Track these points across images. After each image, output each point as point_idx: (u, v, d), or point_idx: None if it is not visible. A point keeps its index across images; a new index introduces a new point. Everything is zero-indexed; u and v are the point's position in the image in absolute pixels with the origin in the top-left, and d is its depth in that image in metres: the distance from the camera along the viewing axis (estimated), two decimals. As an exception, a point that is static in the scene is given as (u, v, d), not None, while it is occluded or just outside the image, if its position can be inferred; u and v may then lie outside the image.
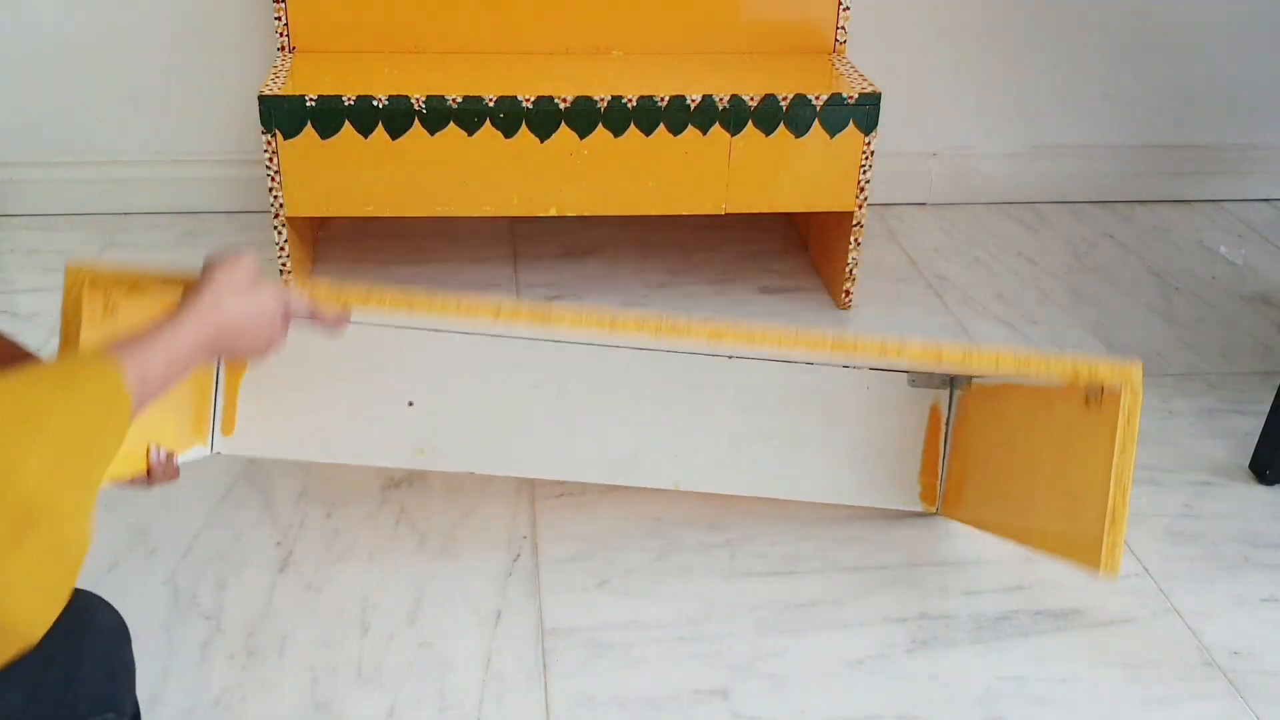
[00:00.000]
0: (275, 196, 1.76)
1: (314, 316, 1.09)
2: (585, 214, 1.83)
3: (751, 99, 1.77)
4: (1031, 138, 2.36)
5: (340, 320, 1.11)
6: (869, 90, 1.81)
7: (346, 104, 1.71)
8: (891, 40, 2.20)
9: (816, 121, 1.80)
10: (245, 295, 0.99)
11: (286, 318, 1.05)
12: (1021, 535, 1.30)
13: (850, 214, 1.88)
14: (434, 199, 1.80)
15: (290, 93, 1.71)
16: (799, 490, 1.45)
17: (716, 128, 1.78)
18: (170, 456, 1.15)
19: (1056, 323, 1.95)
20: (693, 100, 1.76)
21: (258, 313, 1.00)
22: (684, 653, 1.25)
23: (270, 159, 1.74)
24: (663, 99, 1.75)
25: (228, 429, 1.32)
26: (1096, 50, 2.29)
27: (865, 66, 1.99)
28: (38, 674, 0.80)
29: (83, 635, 0.86)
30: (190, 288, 0.98)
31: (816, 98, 1.78)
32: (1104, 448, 1.14)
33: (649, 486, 1.43)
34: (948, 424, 1.43)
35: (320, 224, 2.17)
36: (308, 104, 1.70)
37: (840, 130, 1.81)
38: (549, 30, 1.96)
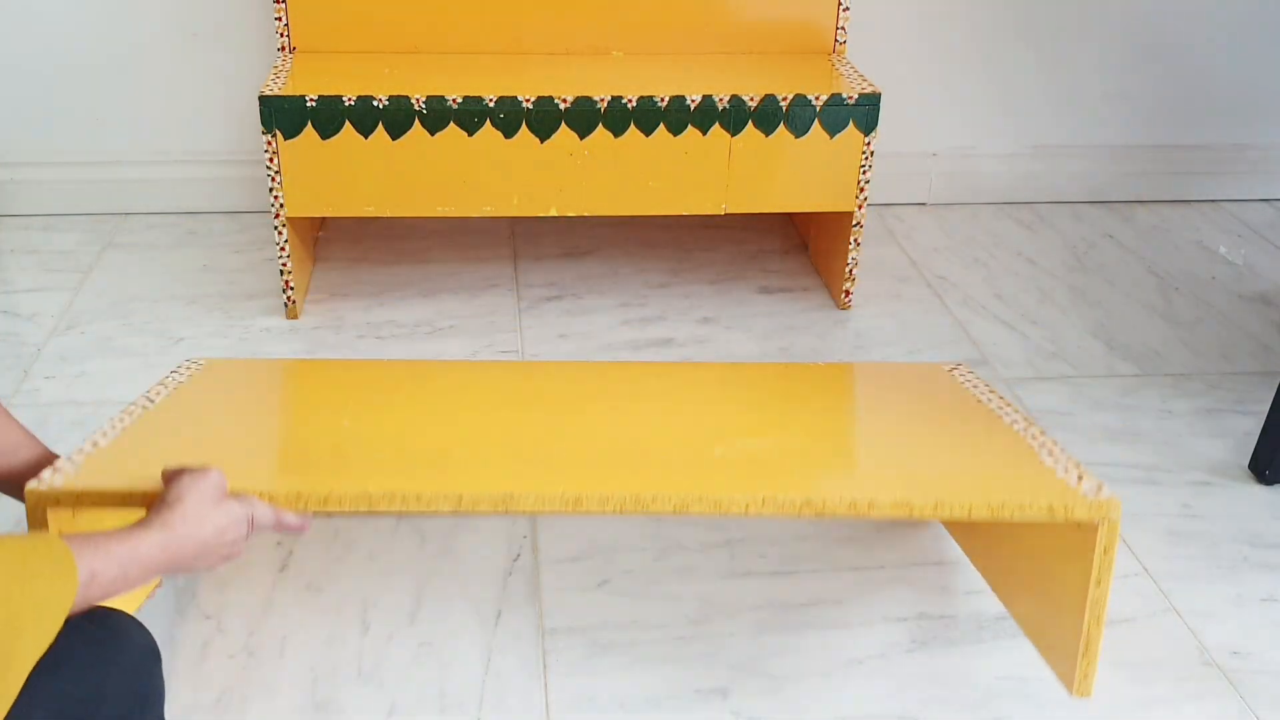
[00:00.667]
0: (275, 196, 1.76)
1: (278, 526, 1.06)
2: (585, 214, 1.83)
3: (751, 99, 1.77)
4: (1031, 138, 2.36)
5: (302, 526, 1.08)
6: (869, 90, 1.81)
7: (346, 104, 1.71)
8: (891, 40, 2.20)
9: (816, 121, 1.80)
10: (211, 515, 0.98)
11: (249, 532, 1.03)
12: (1004, 600, 1.29)
13: (850, 214, 1.88)
14: (434, 199, 1.80)
15: (290, 93, 1.71)
16: None
17: (716, 128, 1.78)
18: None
19: (1056, 323, 1.95)
20: (693, 100, 1.76)
21: (221, 530, 0.98)
22: (684, 653, 1.25)
23: (270, 159, 1.74)
24: (663, 99, 1.75)
25: None
26: (1096, 50, 2.29)
27: (865, 66, 1.99)
28: (64, 692, 0.80)
29: (112, 655, 0.86)
30: (157, 498, 0.98)
31: (816, 98, 1.78)
32: (1080, 574, 1.11)
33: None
34: None
35: (320, 224, 2.17)
36: (308, 104, 1.70)
37: (840, 130, 1.81)
38: (549, 30, 1.96)
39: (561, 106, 1.74)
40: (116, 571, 0.88)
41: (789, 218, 2.29)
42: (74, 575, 0.83)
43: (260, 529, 1.04)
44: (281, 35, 1.91)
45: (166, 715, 1.14)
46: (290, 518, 1.06)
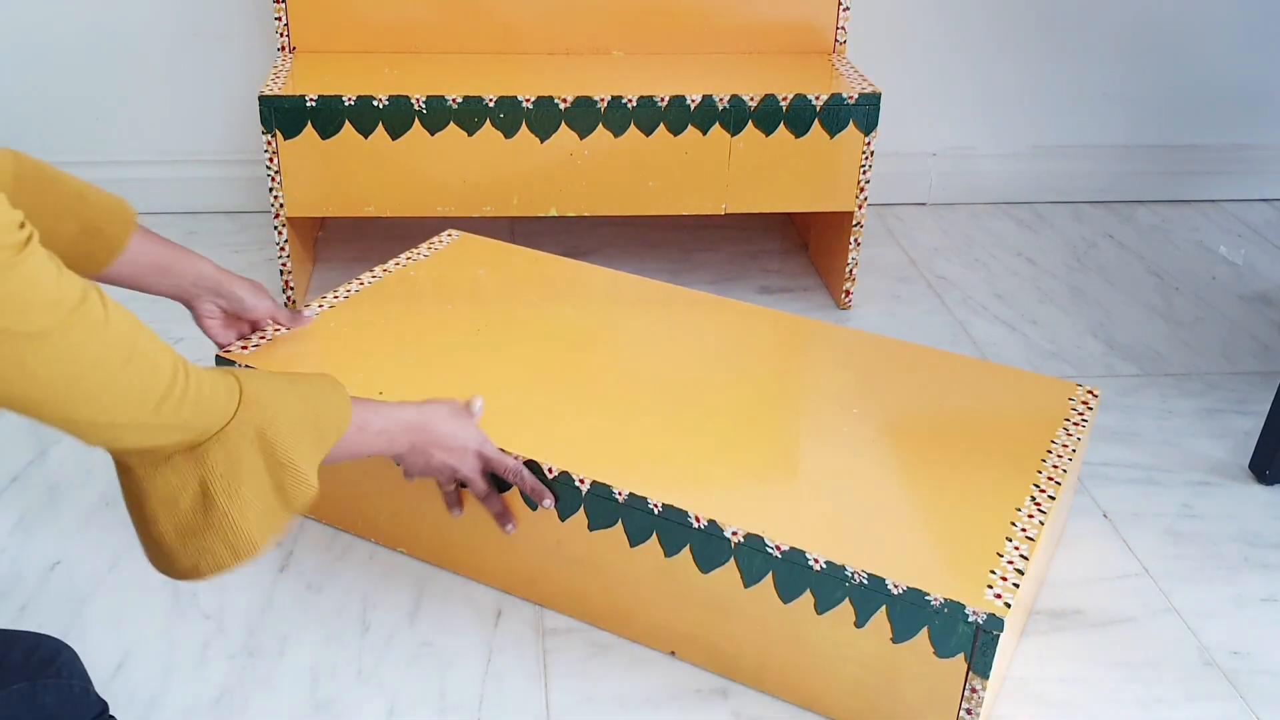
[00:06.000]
0: (275, 196, 1.76)
1: (506, 473, 1.19)
2: (585, 214, 1.83)
3: (751, 99, 1.77)
4: (1031, 138, 2.36)
5: (539, 491, 1.19)
6: (869, 90, 1.81)
7: (346, 104, 1.71)
8: (891, 40, 2.20)
9: (816, 121, 1.80)
10: (453, 419, 1.15)
11: (477, 466, 1.17)
12: None
13: (850, 214, 1.88)
14: (434, 199, 1.80)
15: (290, 93, 1.71)
16: None
17: (716, 128, 1.78)
18: None
19: (1056, 323, 1.95)
20: (693, 100, 1.76)
21: (454, 435, 1.14)
22: (684, 653, 1.25)
23: (270, 159, 1.74)
24: (663, 99, 1.75)
25: None
26: (1096, 50, 2.29)
27: (865, 66, 1.99)
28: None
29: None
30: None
31: (816, 98, 1.78)
32: None
33: None
34: None
35: (320, 224, 2.17)
36: (308, 104, 1.70)
37: (840, 130, 1.81)
38: (549, 30, 1.96)
39: (561, 106, 1.74)
40: (379, 427, 1.05)
41: (789, 218, 2.29)
42: (349, 412, 0.99)
43: (487, 459, 1.18)
44: (281, 35, 1.91)
45: (165, 715, 1.14)
46: (542, 491, 1.19)
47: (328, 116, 1.72)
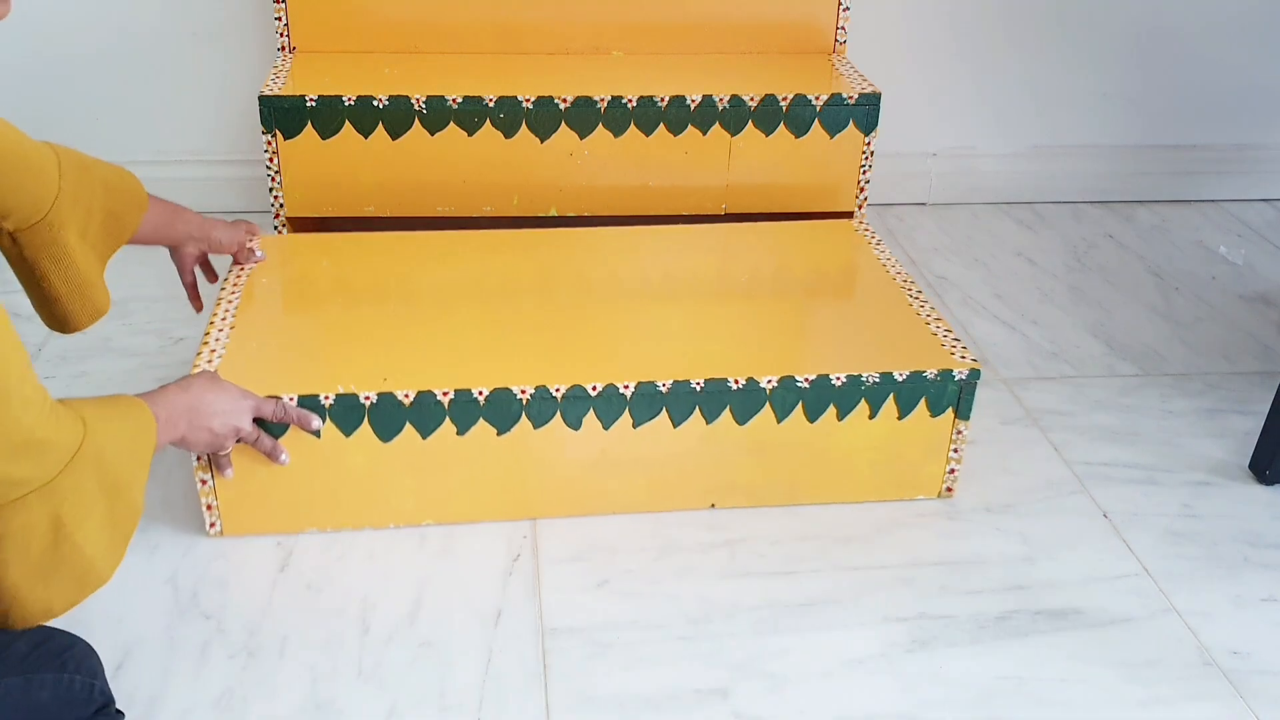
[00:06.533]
0: (275, 196, 1.77)
1: (285, 418, 1.27)
2: (585, 214, 1.83)
3: (751, 99, 1.77)
4: (1031, 138, 2.36)
5: (307, 420, 1.28)
6: (869, 90, 1.81)
7: (346, 104, 1.71)
8: (891, 40, 2.20)
9: (816, 121, 1.80)
10: (213, 386, 1.21)
11: (252, 407, 1.24)
12: None
13: (850, 214, 1.88)
14: (434, 199, 1.80)
15: (290, 93, 1.71)
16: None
17: (716, 128, 1.78)
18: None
19: (1056, 323, 1.95)
20: (693, 100, 1.76)
21: (218, 399, 1.20)
22: (684, 653, 1.25)
23: (270, 159, 1.74)
24: (663, 99, 1.75)
25: None
26: (1096, 50, 2.29)
27: (865, 66, 1.99)
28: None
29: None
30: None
31: (816, 98, 1.78)
32: None
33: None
34: None
35: (320, 224, 2.17)
36: (308, 104, 1.70)
37: (840, 130, 1.81)
38: (549, 30, 1.96)
39: (561, 106, 1.74)
40: (164, 417, 1.12)
41: (789, 218, 2.29)
42: (153, 419, 1.08)
43: (264, 410, 1.25)
44: (281, 35, 1.91)
45: (165, 715, 1.14)
46: (307, 416, 1.27)
47: (328, 116, 1.72)
